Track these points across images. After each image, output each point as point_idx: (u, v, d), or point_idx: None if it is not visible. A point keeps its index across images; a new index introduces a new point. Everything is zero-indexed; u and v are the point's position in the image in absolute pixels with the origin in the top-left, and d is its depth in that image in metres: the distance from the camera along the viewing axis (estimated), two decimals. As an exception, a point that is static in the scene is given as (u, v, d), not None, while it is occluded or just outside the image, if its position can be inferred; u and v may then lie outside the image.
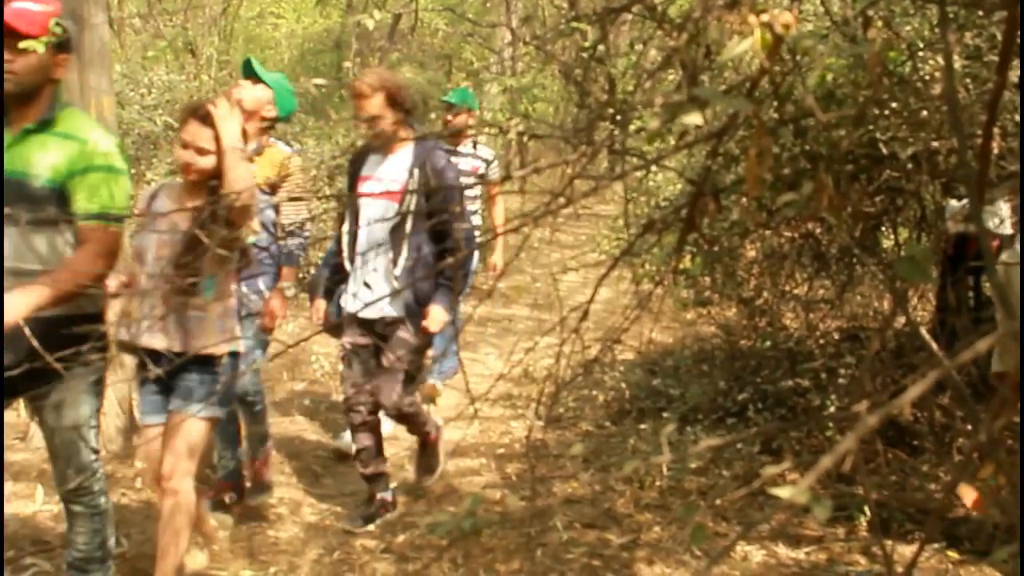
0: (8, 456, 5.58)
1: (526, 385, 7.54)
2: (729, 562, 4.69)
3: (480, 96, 15.47)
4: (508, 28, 17.01)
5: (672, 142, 2.25)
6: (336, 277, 5.21)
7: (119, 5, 15.27)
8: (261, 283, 5.13)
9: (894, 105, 4.21)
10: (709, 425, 6.20)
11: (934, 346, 4.16)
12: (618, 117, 2.90)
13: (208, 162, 3.92)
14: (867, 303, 7.19)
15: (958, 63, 4.12)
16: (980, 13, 4.03)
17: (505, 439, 6.56)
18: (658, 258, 6.26)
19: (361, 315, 4.91)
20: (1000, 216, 4.56)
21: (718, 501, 5.30)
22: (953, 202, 4.71)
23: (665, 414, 6.55)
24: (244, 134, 4.01)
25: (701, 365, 7.33)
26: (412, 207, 4.92)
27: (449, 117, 7.48)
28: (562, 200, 2.49)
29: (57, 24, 3.63)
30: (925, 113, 4.27)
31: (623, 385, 7.30)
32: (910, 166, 4.76)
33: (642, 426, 6.45)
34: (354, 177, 5.16)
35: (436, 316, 4.89)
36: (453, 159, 7.04)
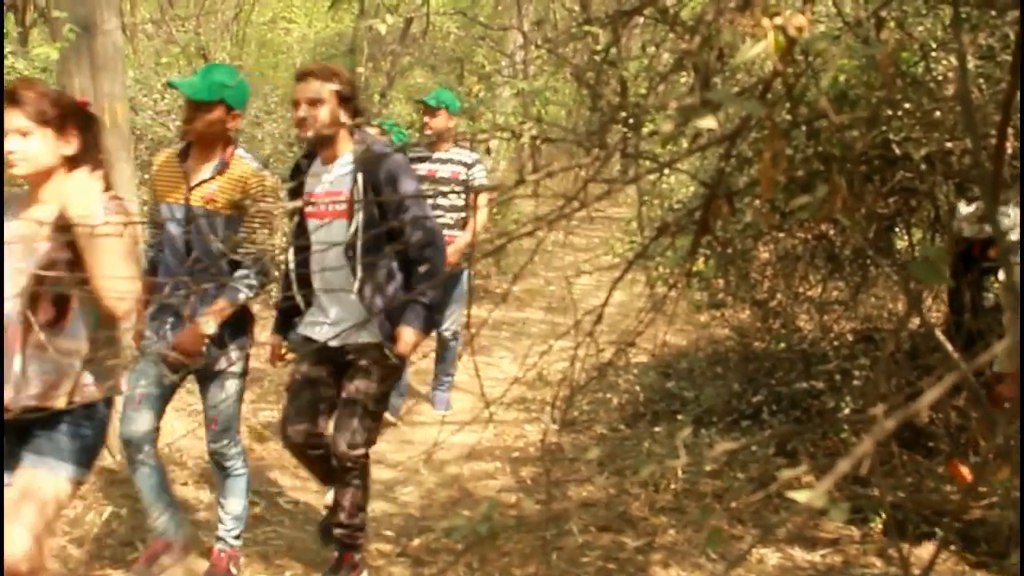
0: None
1: (540, 389, 7.54)
2: (745, 565, 4.68)
3: (492, 100, 15.47)
4: (520, 31, 17.02)
5: (685, 145, 2.25)
6: (285, 306, 4.64)
7: (132, 11, 15.32)
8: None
9: (907, 106, 4.20)
10: (723, 427, 6.19)
11: (950, 348, 4.15)
12: (631, 120, 2.90)
13: (32, 148, 3.31)
14: (881, 304, 7.17)
15: (971, 63, 4.11)
16: (993, 13, 4.02)
17: (520, 443, 6.56)
18: (672, 261, 6.26)
19: (317, 339, 4.39)
20: (1009, 221, 4.54)
21: (733, 504, 5.29)
22: (962, 205, 4.70)
23: (679, 417, 6.54)
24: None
25: (715, 367, 7.31)
26: (361, 221, 4.21)
27: (427, 120, 6.94)
28: (576, 204, 2.49)
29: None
30: (938, 114, 4.26)
31: (637, 388, 7.29)
32: (923, 167, 4.75)
33: (656, 429, 6.44)
34: (295, 196, 4.47)
35: (406, 338, 4.22)
36: (430, 165, 6.86)
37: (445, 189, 6.62)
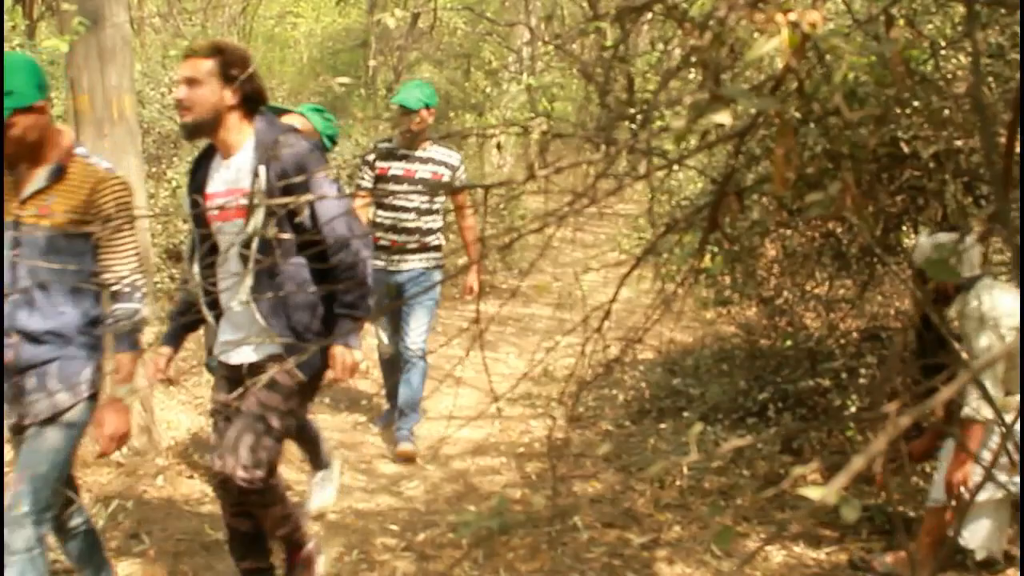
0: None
1: (546, 384, 7.53)
2: (750, 562, 4.68)
3: (500, 96, 15.46)
4: (527, 27, 17.01)
5: (694, 142, 2.25)
6: (185, 319, 4.07)
7: (139, 4, 15.34)
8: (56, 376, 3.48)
9: (916, 104, 4.19)
10: (729, 425, 6.19)
11: (957, 346, 4.15)
12: (639, 117, 2.90)
13: None
14: (888, 303, 7.16)
15: (982, 61, 4.09)
16: (1003, 11, 4.01)
17: (525, 438, 6.56)
18: (679, 258, 6.25)
19: (227, 362, 3.92)
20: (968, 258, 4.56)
21: (739, 501, 5.29)
22: (923, 236, 4.69)
23: (685, 414, 6.54)
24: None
25: (721, 364, 7.31)
26: (260, 221, 3.65)
27: (407, 120, 6.16)
28: (586, 200, 2.48)
29: None
30: (947, 112, 4.25)
31: (643, 384, 7.29)
32: (932, 165, 4.74)
33: (662, 425, 6.45)
34: (196, 195, 3.90)
35: (344, 360, 3.79)
36: (407, 164, 6.18)
37: (423, 190, 6.23)
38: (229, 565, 4.56)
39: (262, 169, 3.68)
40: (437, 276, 6.33)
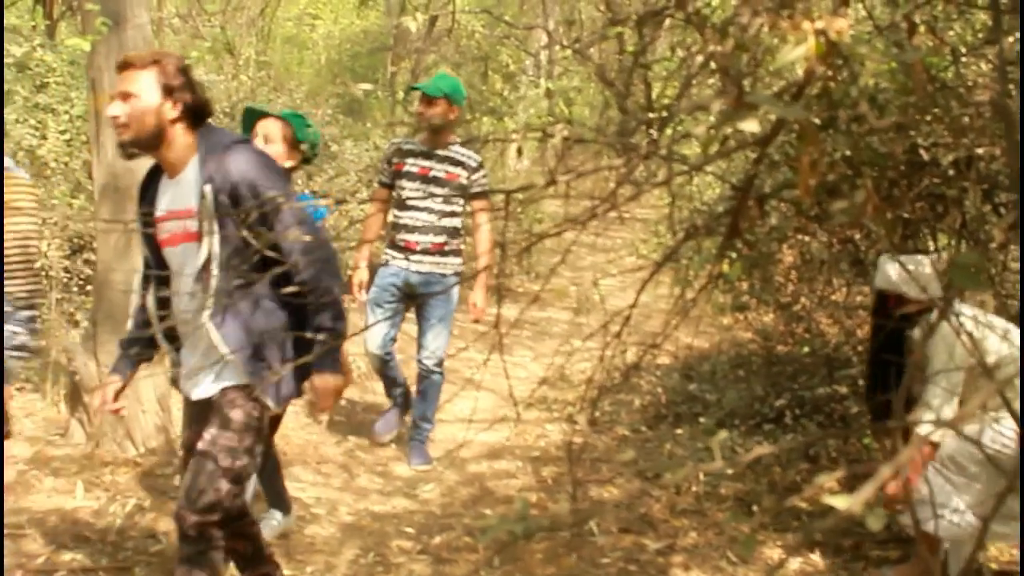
0: (48, 451, 5.63)
1: (563, 389, 7.53)
2: (766, 569, 4.67)
3: (519, 100, 15.46)
4: (545, 31, 17.01)
5: (715, 147, 2.25)
6: (135, 349, 3.77)
7: (159, 5, 15.37)
8: None
9: (936, 111, 4.18)
10: (746, 431, 6.17)
11: (978, 356, 4.13)
12: (659, 122, 2.90)
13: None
14: (906, 310, 7.14)
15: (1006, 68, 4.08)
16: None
17: (541, 442, 6.56)
18: (697, 264, 6.25)
19: (191, 396, 3.65)
20: (920, 277, 4.56)
21: (755, 508, 5.27)
22: (884, 259, 4.69)
23: (702, 419, 6.54)
24: None
25: (738, 370, 7.30)
26: (215, 244, 3.38)
27: (423, 110, 5.93)
28: (606, 205, 2.48)
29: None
30: (968, 119, 4.24)
31: (659, 390, 7.28)
32: (951, 172, 4.73)
33: (678, 431, 6.44)
34: (147, 215, 3.60)
35: (325, 386, 3.50)
36: (423, 162, 5.91)
37: (439, 192, 5.78)
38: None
39: (208, 188, 3.37)
40: (453, 284, 6.08)
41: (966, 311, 4.47)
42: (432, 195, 5.87)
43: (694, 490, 5.46)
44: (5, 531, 4.70)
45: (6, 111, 8.26)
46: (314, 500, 5.40)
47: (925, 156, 4.55)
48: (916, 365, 4.56)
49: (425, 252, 5.93)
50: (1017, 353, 4.33)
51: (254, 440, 3.51)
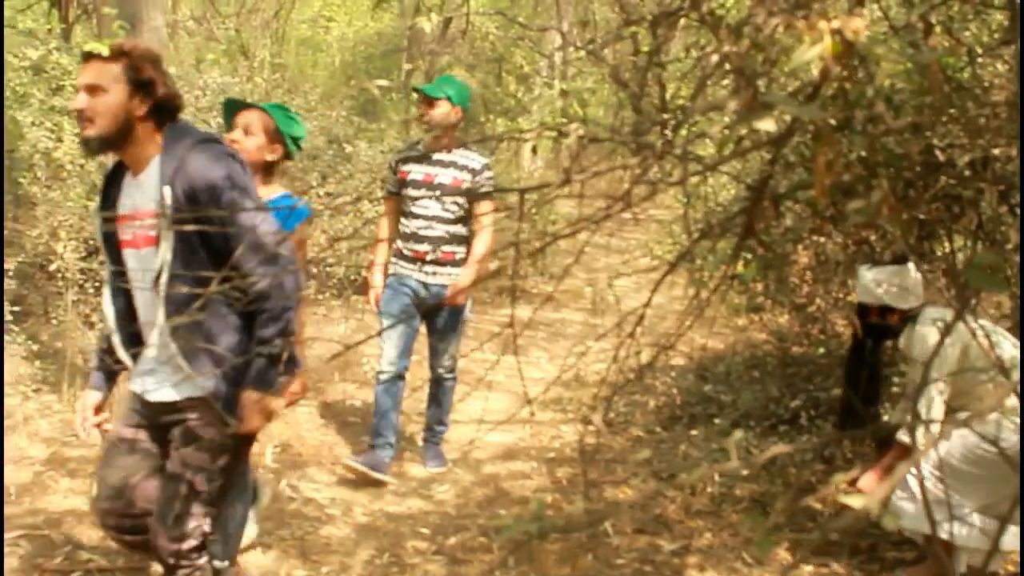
0: (64, 452, 5.66)
1: (576, 389, 7.53)
2: (780, 570, 4.66)
3: (533, 100, 15.45)
4: (559, 32, 17.01)
5: (730, 147, 2.25)
6: (108, 360, 3.61)
7: (173, 8, 15.42)
8: None
9: (952, 111, 4.17)
10: (761, 432, 6.17)
11: (993, 355, 4.12)
12: (672, 122, 2.90)
13: None
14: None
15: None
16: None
17: (556, 443, 6.55)
18: (712, 264, 6.23)
19: (144, 397, 3.46)
20: (903, 287, 4.56)
21: (769, 509, 5.26)
22: (863, 270, 4.68)
23: (716, 420, 6.53)
24: None
25: (753, 371, 7.29)
26: (171, 249, 3.22)
27: (424, 110, 5.70)
28: (620, 204, 2.48)
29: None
30: (984, 120, 4.22)
31: (674, 390, 7.27)
32: (968, 173, 4.72)
33: (693, 432, 6.44)
34: (108, 216, 3.44)
35: (253, 406, 3.28)
36: (427, 168, 5.72)
37: (445, 198, 5.68)
38: (260, 566, 4.59)
39: (167, 190, 3.20)
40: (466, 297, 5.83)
41: (935, 313, 4.49)
42: (439, 203, 5.71)
43: (709, 491, 5.46)
44: (22, 532, 4.72)
45: (23, 114, 8.30)
46: (329, 501, 5.41)
47: (941, 157, 4.53)
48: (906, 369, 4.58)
49: (436, 263, 5.74)
50: (1008, 354, 4.35)
51: (226, 462, 3.39)
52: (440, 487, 5.74)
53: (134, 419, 3.51)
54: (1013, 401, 4.28)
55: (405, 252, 5.76)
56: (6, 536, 4.65)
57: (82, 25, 11.97)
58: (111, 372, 3.64)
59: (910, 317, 4.54)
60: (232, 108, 4.39)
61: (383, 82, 5.04)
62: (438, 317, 5.86)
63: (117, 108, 3.23)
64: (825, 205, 4.87)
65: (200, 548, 3.42)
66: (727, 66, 2.34)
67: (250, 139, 4.24)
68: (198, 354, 3.29)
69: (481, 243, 5.78)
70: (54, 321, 7.50)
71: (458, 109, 5.68)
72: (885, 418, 4.92)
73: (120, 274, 3.46)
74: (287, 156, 4.37)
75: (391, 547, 4.89)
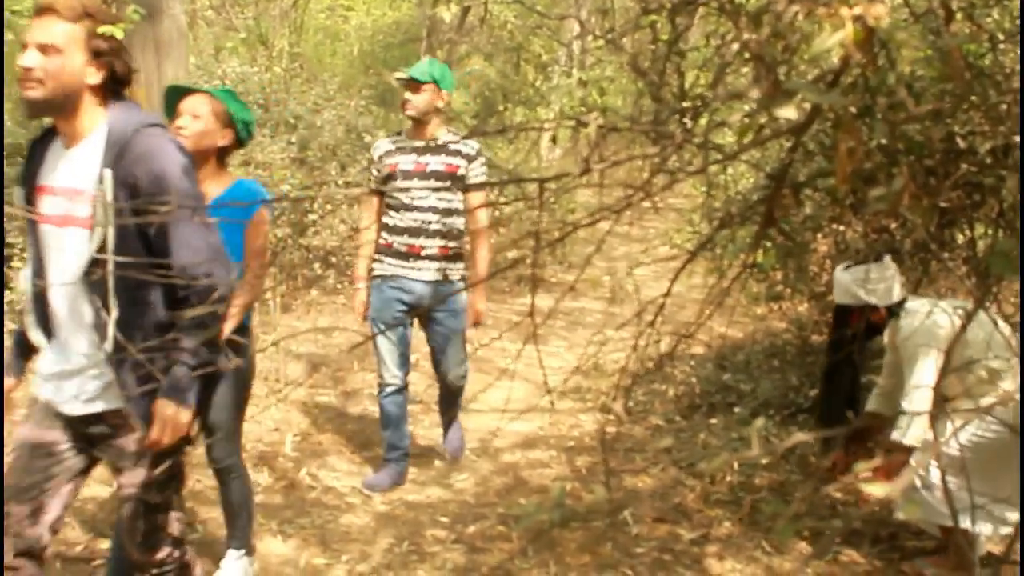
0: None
1: (595, 378, 7.53)
2: (801, 559, 4.66)
3: (551, 89, 15.43)
4: (577, 20, 16.98)
5: (752, 136, 2.24)
6: (23, 348, 3.30)
7: (192, -3, 15.46)
8: None
9: (973, 98, 4.15)
10: (780, 421, 6.16)
11: (1014, 343, 4.10)
12: (691, 111, 2.89)
13: None
14: (943, 298, 7.10)
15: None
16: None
17: (575, 432, 6.56)
18: (731, 253, 6.22)
19: (55, 407, 3.11)
20: (886, 282, 4.54)
21: (788, 498, 5.26)
22: (839, 270, 4.65)
23: (736, 409, 6.52)
24: None
25: (772, 360, 7.27)
26: (110, 238, 2.92)
27: (407, 97, 5.28)
28: (641, 193, 2.48)
29: None
30: (1006, 107, 4.20)
31: (693, 379, 7.27)
32: (989, 160, 4.70)
33: (712, 421, 6.43)
34: (29, 185, 3.10)
35: (165, 419, 2.97)
36: (417, 157, 5.31)
37: (439, 185, 5.26)
38: (280, 555, 4.61)
39: (108, 173, 2.92)
40: (461, 290, 5.46)
41: (926, 304, 4.47)
42: (434, 192, 5.27)
43: (728, 480, 5.45)
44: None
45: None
46: (348, 489, 5.42)
47: (962, 144, 4.51)
48: (891, 365, 4.58)
49: (431, 258, 5.31)
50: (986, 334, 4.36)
51: (172, 462, 3.13)
52: (459, 476, 5.75)
53: (47, 423, 3.14)
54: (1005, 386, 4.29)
55: (397, 247, 5.32)
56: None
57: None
58: (22, 355, 3.30)
59: (893, 313, 4.52)
60: (175, 95, 4.04)
61: (402, 73, 4.88)
62: (437, 323, 5.49)
63: (71, 74, 2.93)
64: (845, 193, 4.85)
65: (176, 544, 3.27)
66: (746, 54, 2.34)
67: (197, 124, 3.91)
68: (125, 359, 2.98)
69: (482, 254, 5.46)
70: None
71: (444, 93, 5.33)
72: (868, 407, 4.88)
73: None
74: (239, 143, 4.11)
75: (410, 535, 4.90)
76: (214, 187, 3.96)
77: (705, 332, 7.61)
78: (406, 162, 5.31)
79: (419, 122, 5.32)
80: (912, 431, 4.18)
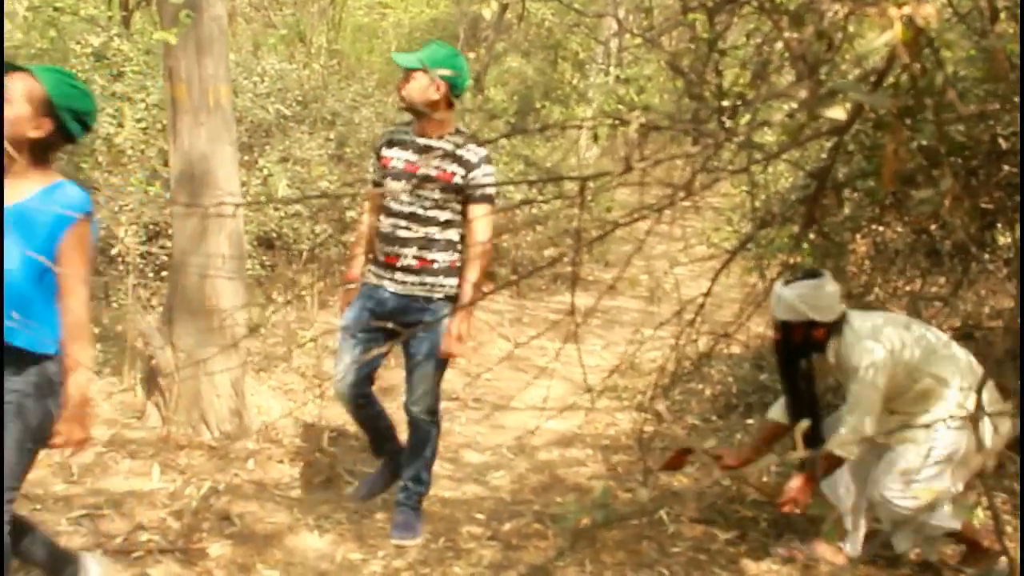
0: (125, 434, 5.73)
1: (632, 377, 7.52)
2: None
3: (588, 87, 15.41)
4: (615, 18, 16.95)
5: (799, 135, 2.24)
6: None
7: (232, -6, 15.54)
8: None
9: (1016, 99, 4.12)
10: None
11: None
12: (731, 110, 2.89)
13: None
14: (982, 302, 7.04)
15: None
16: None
17: (611, 431, 6.55)
18: (769, 252, 6.20)
19: None
20: (827, 299, 4.52)
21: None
22: (779, 286, 4.60)
23: (772, 409, 6.50)
24: None
25: (809, 361, 7.23)
26: None
27: (401, 85, 4.74)
28: (682, 192, 2.48)
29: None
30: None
31: (730, 379, 7.24)
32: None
33: (749, 421, 6.41)
34: None
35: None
36: (409, 155, 4.74)
37: (428, 194, 4.68)
38: (316, 549, 4.63)
39: None
40: (445, 312, 4.72)
41: (859, 322, 4.48)
42: (420, 198, 4.68)
43: (765, 480, 5.44)
44: (84, 511, 4.80)
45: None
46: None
47: (1004, 145, 4.48)
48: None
49: (407, 270, 4.70)
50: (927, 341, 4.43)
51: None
52: (495, 473, 5.76)
53: None
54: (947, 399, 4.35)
55: (378, 255, 4.80)
56: (70, 515, 4.73)
57: (141, 12, 12.09)
58: None
59: (833, 329, 4.51)
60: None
61: (444, 71, 4.68)
62: (412, 345, 4.79)
63: None
64: (885, 193, 4.83)
65: None
66: (788, 54, 2.33)
67: (8, 108, 3.27)
68: None
69: (471, 274, 4.71)
70: (115, 305, 7.61)
71: (442, 84, 4.65)
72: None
73: None
74: (66, 136, 3.43)
75: (446, 532, 4.91)
76: (23, 187, 3.28)
77: (742, 331, 7.57)
78: (398, 159, 4.78)
79: (419, 115, 4.72)
80: (846, 442, 4.26)
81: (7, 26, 8.50)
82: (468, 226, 4.72)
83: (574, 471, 5.81)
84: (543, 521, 5.02)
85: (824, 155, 5.52)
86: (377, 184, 4.88)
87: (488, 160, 4.72)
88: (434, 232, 4.68)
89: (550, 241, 10.67)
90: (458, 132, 4.77)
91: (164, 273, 7.23)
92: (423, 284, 4.70)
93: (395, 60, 4.75)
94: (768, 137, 6.04)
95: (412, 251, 4.67)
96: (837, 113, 1.49)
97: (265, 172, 8.76)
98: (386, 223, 4.73)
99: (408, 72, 4.66)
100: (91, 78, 8.33)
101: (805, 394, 4.62)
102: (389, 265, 4.73)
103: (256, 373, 6.65)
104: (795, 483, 4.48)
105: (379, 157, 4.85)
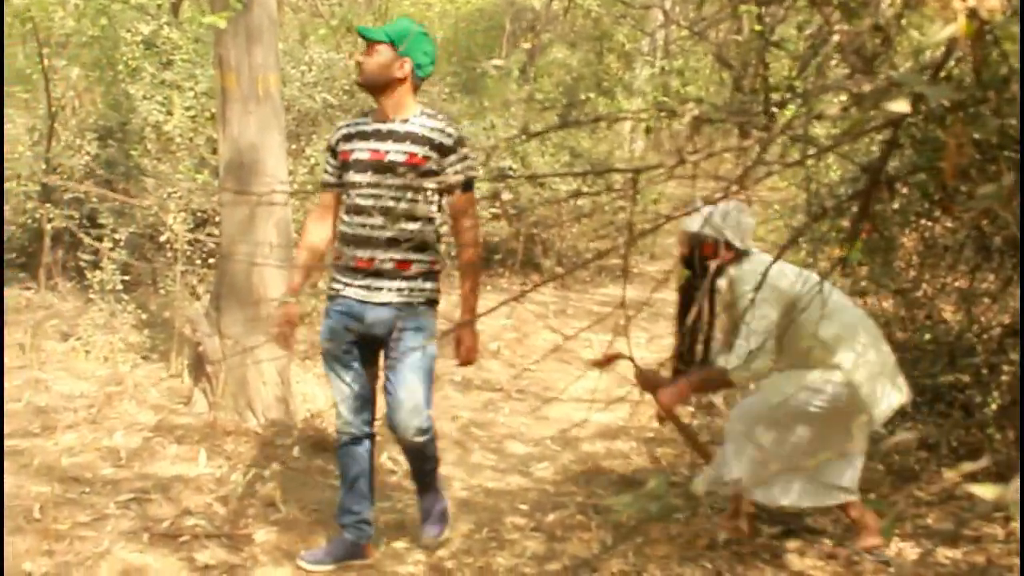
0: (172, 420, 5.78)
1: (676, 370, 7.49)
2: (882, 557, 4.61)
3: (633, 78, 15.35)
4: (661, 10, 16.88)
5: (857, 128, 2.22)
6: None
7: (280, -16, 15.60)
8: None
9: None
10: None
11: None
12: (779, 102, 2.87)
13: None
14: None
15: None
16: None
17: (654, 423, 6.53)
18: (820, 246, 6.15)
19: None
20: (743, 225, 4.47)
21: (872, 496, 5.20)
22: (700, 202, 4.55)
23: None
24: None
25: (856, 356, 7.18)
26: None
27: (360, 59, 4.20)
28: (735, 186, 2.47)
29: None
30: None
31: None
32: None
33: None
34: None
35: None
36: (375, 144, 4.17)
37: (395, 182, 4.11)
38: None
39: None
40: (428, 319, 4.26)
41: (764, 257, 4.44)
42: (390, 188, 4.15)
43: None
44: (132, 495, 4.84)
45: (134, 88, 8.47)
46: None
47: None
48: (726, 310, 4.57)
49: (379, 275, 4.18)
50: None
51: None
52: (539, 464, 5.77)
53: None
54: (838, 358, 4.34)
55: (346, 261, 4.23)
56: (118, 499, 4.78)
57: (191, 0, 12.16)
58: None
59: (734, 260, 4.48)
60: None
61: (498, 62, 4.63)
62: (392, 356, 4.24)
63: None
64: (936, 188, 4.78)
65: None
66: (841, 47, 2.31)
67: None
68: None
69: (470, 255, 4.28)
70: (162, 291, 7.66)
71: (405, 61, 4.15)
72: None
73: None
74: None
75: (490, 522, 4.92)
76: None
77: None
78: (361, 149, 4.22)
79: (377, 93, 4.20)
80: (737, 363, 4.27)
81: (59, 13, 8.56)
82: (454, 222, 4.29)
83: (618, 463, 5.81)
84: (586, 513, 5.02)
85: (874, 148, 5.49)
86: (333, 185, 4.35)
87: (463, 141, 4.23)
88: (411, 228, 4.17)
89: (595, 233, 10.64)
90: (425, 113, 4.23)
91: (212, 261, 7.29)
92: (399, 290, 4.18)
93: (359, 32, 4.28)
94: (818, 130, 6.00)
95: (386, 252, 4.16)
96: (900, 106, 1.47)
97: (312, 161, 8.80)
98: (354, 222, 4.19)
99: (370, 45, 4.16)
100: (141, 66, 8.39)
101: (702, 318, 4.62)
102: (360, 270, 4.19)
103: (302, 361, 6.68)
104: (670, 389, 4.51)
105: (335, 153, 4.33)
